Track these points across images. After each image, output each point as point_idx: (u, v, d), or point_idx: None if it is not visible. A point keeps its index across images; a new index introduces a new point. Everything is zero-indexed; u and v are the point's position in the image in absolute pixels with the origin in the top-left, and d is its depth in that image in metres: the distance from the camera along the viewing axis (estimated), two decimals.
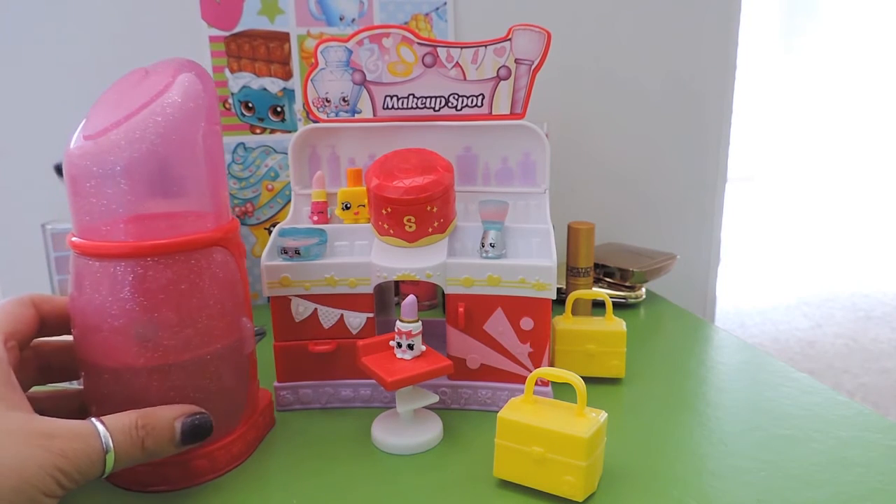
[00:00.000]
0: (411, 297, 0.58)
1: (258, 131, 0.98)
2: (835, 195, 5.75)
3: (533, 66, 0.67)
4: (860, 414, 0.63)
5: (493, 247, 0.63)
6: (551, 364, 0.71)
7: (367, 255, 0.65)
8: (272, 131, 0.99)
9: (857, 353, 2.49)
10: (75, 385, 0.73)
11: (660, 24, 1.12)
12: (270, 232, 0.67)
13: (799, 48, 6.25)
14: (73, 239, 0.51)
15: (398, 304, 0.61)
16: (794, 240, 4.33)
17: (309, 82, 0.69)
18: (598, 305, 0.90)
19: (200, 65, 0.55)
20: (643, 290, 0.98)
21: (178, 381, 0.52)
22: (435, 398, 0.60)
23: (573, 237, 0.84)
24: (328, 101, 0.70)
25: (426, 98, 0.69)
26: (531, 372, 0.54)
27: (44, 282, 0.90)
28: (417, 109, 0.69)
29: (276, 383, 0.66)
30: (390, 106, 0.69)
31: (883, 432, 0.60)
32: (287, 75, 0.98)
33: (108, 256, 0.49)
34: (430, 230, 0.63)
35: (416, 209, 0.61)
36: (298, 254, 0.63)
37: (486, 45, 0.67)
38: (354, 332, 0.65)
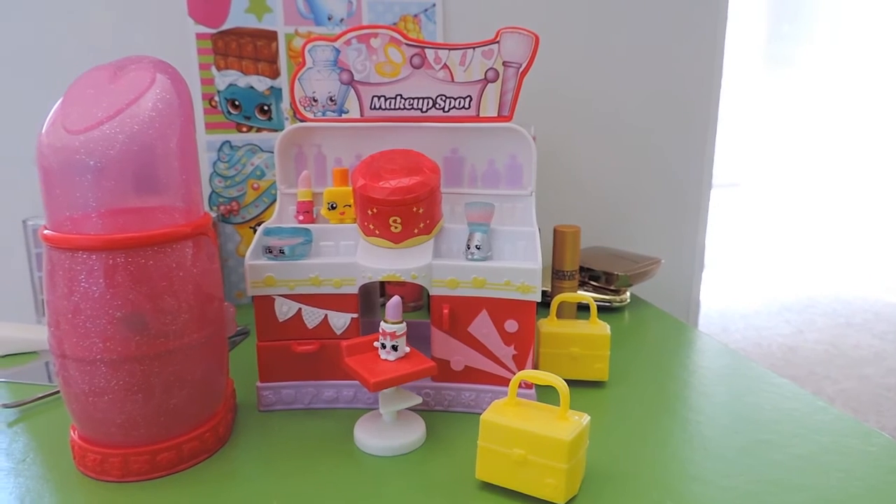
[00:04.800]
0: (396, 298, 0.58)
1: (245, 130, 0.98)
2: (819, 202, 5.81)
3: (521, 69, 0.67)
4: (839, 419, 0.64)
5: (478, 249, 0.63)
6: (535, 366, 0.71)
7: (352, 255, 0.64)
8: (259, 130, 0.98)
9: (837, 358, 2.51)
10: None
11: (647, 31, 1.13)
12: (256, 231, 0.66)
13: (785, 57, 6.31)
14: (46, 232, 0.51)
15: (384, 304, 0.61)
16: (778, 246, 4.37)
17: (296, 81, 0.69)
18: (583, 309, 0.90)
19: (172, 65, 0.56)
20: (628, 293, 0.99)
21: (158, 371, 0.53)
22: (418, 400, 0.60)
23: (559, 240, 0.84)
24: (315, 101, 0.69)
25: (413, 99, 0.69)
26: (515, 374, 0.54)
27: (24, 278, 0.89)
28: (405, 110, 0.69)
29: (258, 383, 0.65)
30: (377, 106, 0.69)
31: (861, 438, 0.60)
32: (274, 74, 0.97)
33: (80, 249, 0.50)
34: (415, 231, 0.63)
35: (402, 210, 0.61)
36: (283, 253, 0.63)
37: (474, 48, 0.67)
38: (339, 332, 0.64)
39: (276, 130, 0.98)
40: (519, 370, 0.63)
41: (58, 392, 0.68)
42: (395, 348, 0.58)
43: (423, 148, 0.68)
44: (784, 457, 0.58)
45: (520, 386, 0.53)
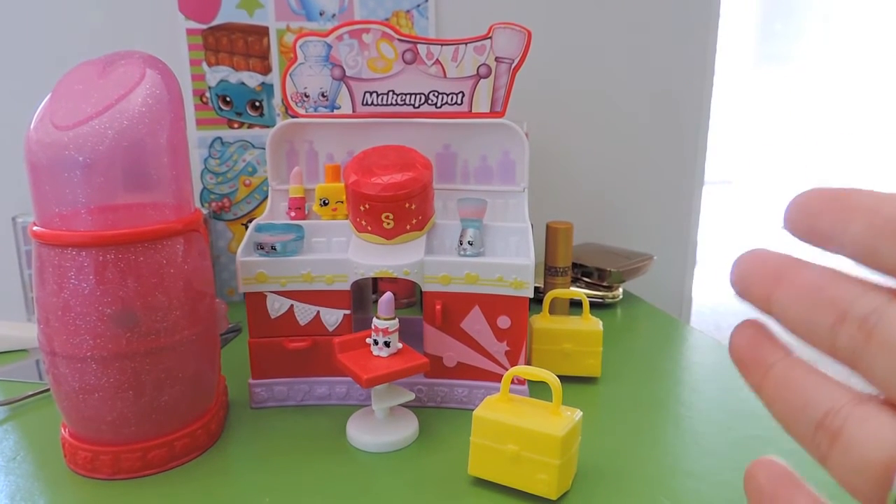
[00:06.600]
0: (388, 295, 0.58)
1: (236, 126, 0.97)
2: None
3: (513, 65, 0.67)
4: None
5: (471, 245, 0.63)
6: (528, 362, 0.71)
7: (344, 251, 0.64)
8: (250, 126, 0.98)
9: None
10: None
11: (639, 28, 1.13)
12: (247, 227, 0.66)
13: (777, 55, 6.33)
14: (35, 228, 0.50)
15: (376, 301, 0.61)
16: (770, 243, 4.38)
17: (287, 77, 0.68)
18: (576, 305, 0.90)
19: (163, 60, 0.56)
20: (620, 290, 0.99)
21: (149, 368, 0.52)
22: (411, 396, 0.60)
23: (551, 236, 0.84)
24: (307, 96, 0.69)
25: (406, 95, 0.69)
26: (507, 370, 0.54)
27: (14, 276, 0.89)
28: (397, 106, 0.69)
29: (250, 380, 0.65)
30: (370, 102, 0.69)
31: None
32: (266, 70, 0.97)
33: (70, 245, 0.49)
34: (408, 227, 0.63)
35: (395, 206, 0.61)
36: (275, 249, 0.63)
37: (466, 43, 0.67)
38: (331, 329, 0.64)
39: (267, 126, 0.98)
40: (511, 366, 0.63)
41: (48, 390, 0.67)
42: (387, 344, 0.58)
43: (416, 144, 0.67)
44: (776, 452, 0.57)
45: (512, 382, 0.53)
